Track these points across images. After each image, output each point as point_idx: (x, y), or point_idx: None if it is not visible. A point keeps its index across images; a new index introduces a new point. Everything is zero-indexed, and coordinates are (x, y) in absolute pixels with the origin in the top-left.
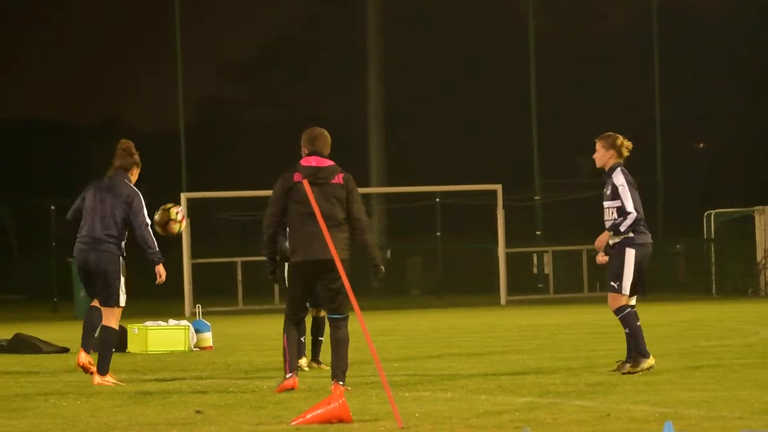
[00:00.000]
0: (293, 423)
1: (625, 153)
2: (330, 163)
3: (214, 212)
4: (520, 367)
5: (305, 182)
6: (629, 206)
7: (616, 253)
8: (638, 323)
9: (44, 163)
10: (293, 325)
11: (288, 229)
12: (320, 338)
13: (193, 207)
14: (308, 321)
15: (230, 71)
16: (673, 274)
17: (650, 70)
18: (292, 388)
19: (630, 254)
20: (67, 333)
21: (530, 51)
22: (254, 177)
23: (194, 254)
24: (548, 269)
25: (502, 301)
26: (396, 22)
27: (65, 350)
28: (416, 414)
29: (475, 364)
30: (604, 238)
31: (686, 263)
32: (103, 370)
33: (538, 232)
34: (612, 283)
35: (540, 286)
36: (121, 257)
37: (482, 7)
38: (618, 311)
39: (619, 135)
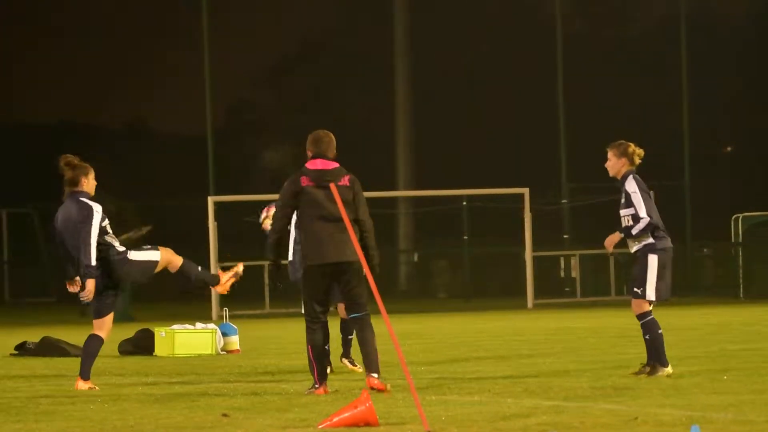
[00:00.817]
0: (320, 426)
1: (637, 160)
2: (335, 165)
3: (241, 215)
4: (547, 371)
5: (332, 185)
6: (642, 212)
7: (639, 259)
8: (659, 330)
9: None
10: (314, 331)
11: (297, 233)
12: (350, 337)
13: (220, 210)
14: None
15: (258, 76)
16: (701, 278)
17: (678, 73)
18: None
19: (653, 260)
20: None
21: (558, 54)
22: (281, 180)
23: (221, 258)
24: (575, 273)
25: (529, 304)
26: (423, 26)
27: None
28: (443, 417)
29: (501, 367)
30: (615, 239)
31: (714, 267)
32: (87, 375)
33: (565, 236)
34: (636, 289)
35: (567, 289)
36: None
37: (510, 11)
38: (641, 317)
39: (630, 143)
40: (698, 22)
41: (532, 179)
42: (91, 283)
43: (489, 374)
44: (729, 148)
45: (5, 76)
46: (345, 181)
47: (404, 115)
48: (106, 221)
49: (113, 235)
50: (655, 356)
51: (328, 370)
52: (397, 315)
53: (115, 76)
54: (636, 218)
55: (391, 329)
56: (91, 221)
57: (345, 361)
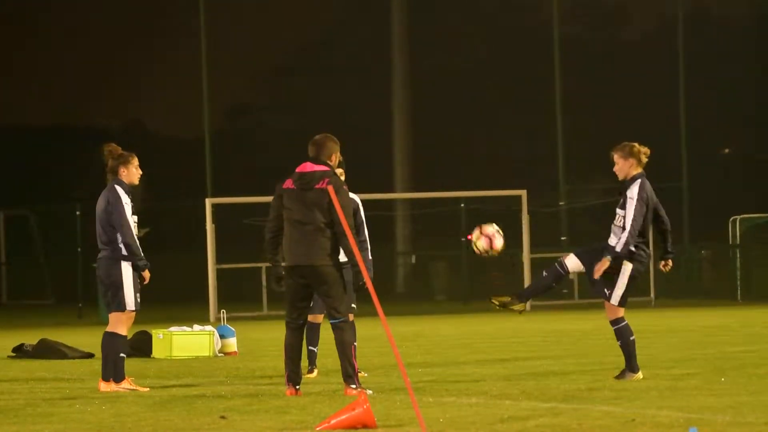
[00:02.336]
0: (318, 428)
1: (644, 159)
2: (320, 168)
3: (240, 217)
4: (545, 372)
5: (330, 188)
6: (627, 223)
7: (615, 263)
8: (632, 337)
9: (69, 167)
10: (290, 330)
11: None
12: (310, 347)
13: (218, 212)
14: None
15: (256, 77)
16: (699, 280)
17: (675, 75)
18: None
19: (627, 268)
20: (92, 338)
21: (555, 56)
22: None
23: (219, 259)
24: (573, 274)
25: (527, 306)
26: (421, 27)
27: (90, 356)
28: (440, 419)
29: (499, 369)
30: (603, 266)
31: (712, 269)
32: (107, 375)
33: (562, 238)
34: (606, 290)
35: (565, 291)
36: (123, 261)
37: (507, 13)
38: (614, 322)
39: (634, 143)
40: (697, 24)
41: (530, 181)
42: (147, 273)
43: (487, 376)
44: (727, 150)
45: (2, 78)
46: (323, 184)
47: (402, 117)
48: (135, 218)
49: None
50: (627, 362)
51: (315, 373)
52: (395, 317)
53: (112, 78)
54: (623, 224)
55: (388, 331)
56: (121, 205)
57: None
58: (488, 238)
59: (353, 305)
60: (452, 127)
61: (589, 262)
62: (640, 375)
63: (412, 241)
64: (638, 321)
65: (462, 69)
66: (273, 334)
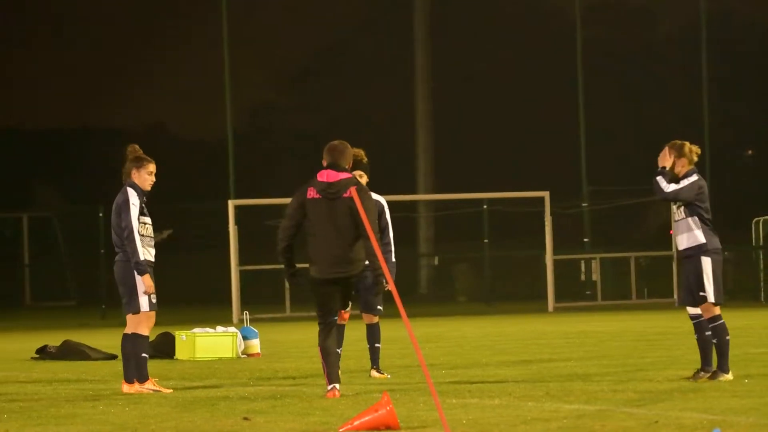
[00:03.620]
0: (341, 429)
1: (695, 158)
2: (344, 176)
3: (262, 219)
4: (568, 374)
5: (355, 195)
6: (679, 186)
7: (691, 261)
8: (727, 337)
9: (92, 170)
10: (324, 333)
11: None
12: (376, 345)
13: (241, 214)
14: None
15: (279, 79)
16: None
17: (698, 76)
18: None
19: (706, 262)
20: (116, 339)
21: (578, 58)
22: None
23: (242, 261)
24: (596, 276)
25: (550, 308)
26: (444, 30)
27: (113, 357)
28: (463, 421)
29: (522, 371)
30: (665, 155)
31: (734, 270)
32: (130, 377)
33: (585, 239)
34: (699, 294)
35: (588, 292)
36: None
37: (529, 14)
38: (710, 320)
39: (685, 142)
40: (720, 26)
41: (553, 183)
42: (146, 279)
43: (510, 378)
44: (750, 152)
45: (25, 82)
46: (350, 192)
47: (424, 119)
48: (147, 220)
49: (149, 236)
50: (720, 361)
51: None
52: (418, 318)
53: (135, 80)
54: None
55: (411, 333)
56: (128, 211)
57: (373, 371)
58: None
59: (379, 307)
60: (475, 129)
61: (687, 294)
62: (729, 376)
63: (434, 242)
64: (661, 322)
65: (485, 71)
66: (296, 336)
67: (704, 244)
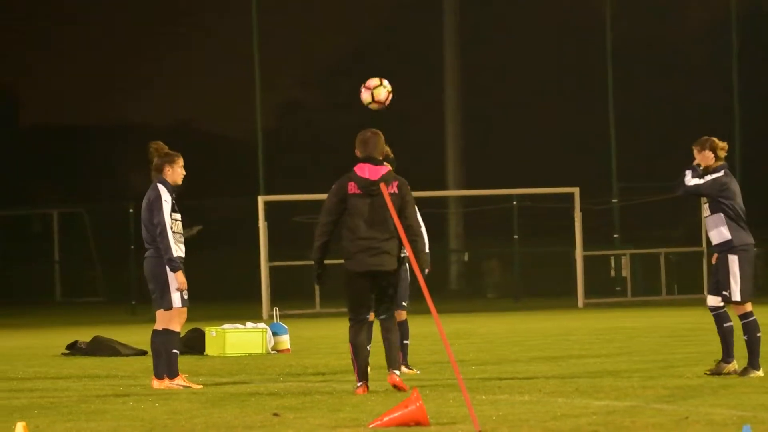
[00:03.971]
0: (370, 426)
1: (722, 154)
2: (384, 170)
3: (291, 215)
4: (598, 371)
5: (384, 191)
6: (696, 182)
7: (719, 259)
8: (758, 334)
9: (122, 166)
10: (355, 329)
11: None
12: (405, 341)
13: (270, 210)
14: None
15: (308, 76)
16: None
17: (728, 73)
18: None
19: (732, 260)
20: (145, 335)
21: (608, 54)
22: (331, 180)
23: (271, 257)
24: (626, 272)
25: (580, 304)
26: (473, 25)
27: (143, 353)
28: (493, 417)
29: (552, 367)
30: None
31: (764, 266)
32: (160, 373)
33: (615, 235)
34: (723, 292)
35: (617, 289)
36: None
37: (559, 12)
38: (742, 317)
39: (713, 137)
40: (751, 19)
41: (582, 179)
42: (179, 276)
43: (539, 374)
44: None
45: (57, 78)
46: (393, 187)
47: (454, 115)
48: (178, 216)
49: (179, 233)
50: (751, 358)
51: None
52: (448, 314)
53: (164, 77)
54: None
55: (441, 329)
56: (161, 207)
57: (402, 368)
58: (369, 90)
59: (404, 303)
60: (504, 125)
61: (713, 285)
62: (760, 373)
63: (464, 238)
64: (691, 318)
65: (514, 66)
66: (325, 332)
67: (730, 240)
